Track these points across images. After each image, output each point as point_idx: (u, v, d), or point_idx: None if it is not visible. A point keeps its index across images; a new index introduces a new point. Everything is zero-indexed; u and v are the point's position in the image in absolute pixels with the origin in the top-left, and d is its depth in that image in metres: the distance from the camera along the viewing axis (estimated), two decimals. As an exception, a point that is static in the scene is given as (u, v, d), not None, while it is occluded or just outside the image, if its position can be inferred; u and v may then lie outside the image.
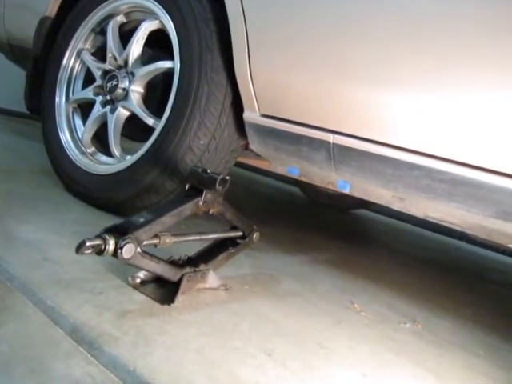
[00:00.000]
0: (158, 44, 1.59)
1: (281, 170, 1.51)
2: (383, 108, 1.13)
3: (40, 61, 1.90)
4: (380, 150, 1.16)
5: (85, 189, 1.55)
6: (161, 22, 1.51)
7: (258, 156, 1.56)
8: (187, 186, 1.06)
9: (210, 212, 1.07)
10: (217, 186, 1.01)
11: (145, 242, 0.92)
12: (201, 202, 1.03)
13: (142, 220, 0.91)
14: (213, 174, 1.03)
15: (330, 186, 1.37)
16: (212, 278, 1.09)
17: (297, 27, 1.22)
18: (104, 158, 1.63)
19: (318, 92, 1.21)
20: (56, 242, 1.17)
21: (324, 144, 1.23)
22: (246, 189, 3.14)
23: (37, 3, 1.92)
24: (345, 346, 1.03)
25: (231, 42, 1.34)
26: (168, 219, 0.95)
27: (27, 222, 1.25)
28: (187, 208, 1.00)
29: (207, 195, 1.03)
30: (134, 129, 1.61)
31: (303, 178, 1.46)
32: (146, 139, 1.46)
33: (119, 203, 1.47)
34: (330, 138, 1.22)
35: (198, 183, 1.04)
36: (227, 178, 1.04)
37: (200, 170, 1.04)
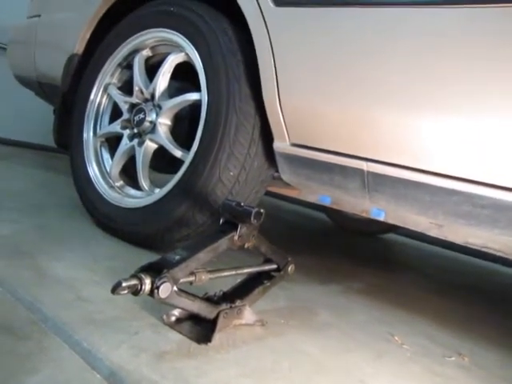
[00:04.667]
0: (184, 76, 1.60)
1: (311, 198, 1.48)
2: (418, 133, 1.10)
3: (68, 97, 1.93)
4: (416, 176, 1.12)
5: (114, 223, 1.54)
6: (187, 54, 1.51)
7: (287, 185, 1.53)
8: (221, 221, 1.04)
9: (246, 246, 1.04)
10: (252, 219, 0.98)
11: (181, 280, 0.89)
12: (236, 237, 1.00)
13: (177, 258, 0.89)
14: (247, 206, 1.00)
15: (364, 214, 1.33)
16: (248, 314, 1.06)
17: (325, 53, 1.20)
18: (132, 192, 1.63)
19: (350, 119, 1.18)
20: (88, 278, 1.15)
21: (357, 172, 1.20)
22: (268, 216, 3.10)
23: (66, 42, 1.96)
24: (389, 383, 0.98)
25: (259, 71, 1.33)
26: (203, 255, 0.93)
27: (58, 258, 1.24)
28: (222, 243, 0.98)
29: (242, 229, 1.01)
30: (162, 161, 1.60)
31: (335, 206, 1.43)
32: (174, 171, 1.45)
33: (149, 237, 1.46)
34: (364, 165, 1.18)
35: (232, 217, 1.01)
36: (262, 210, 1.01)
37: (233, 203, 1.01)
